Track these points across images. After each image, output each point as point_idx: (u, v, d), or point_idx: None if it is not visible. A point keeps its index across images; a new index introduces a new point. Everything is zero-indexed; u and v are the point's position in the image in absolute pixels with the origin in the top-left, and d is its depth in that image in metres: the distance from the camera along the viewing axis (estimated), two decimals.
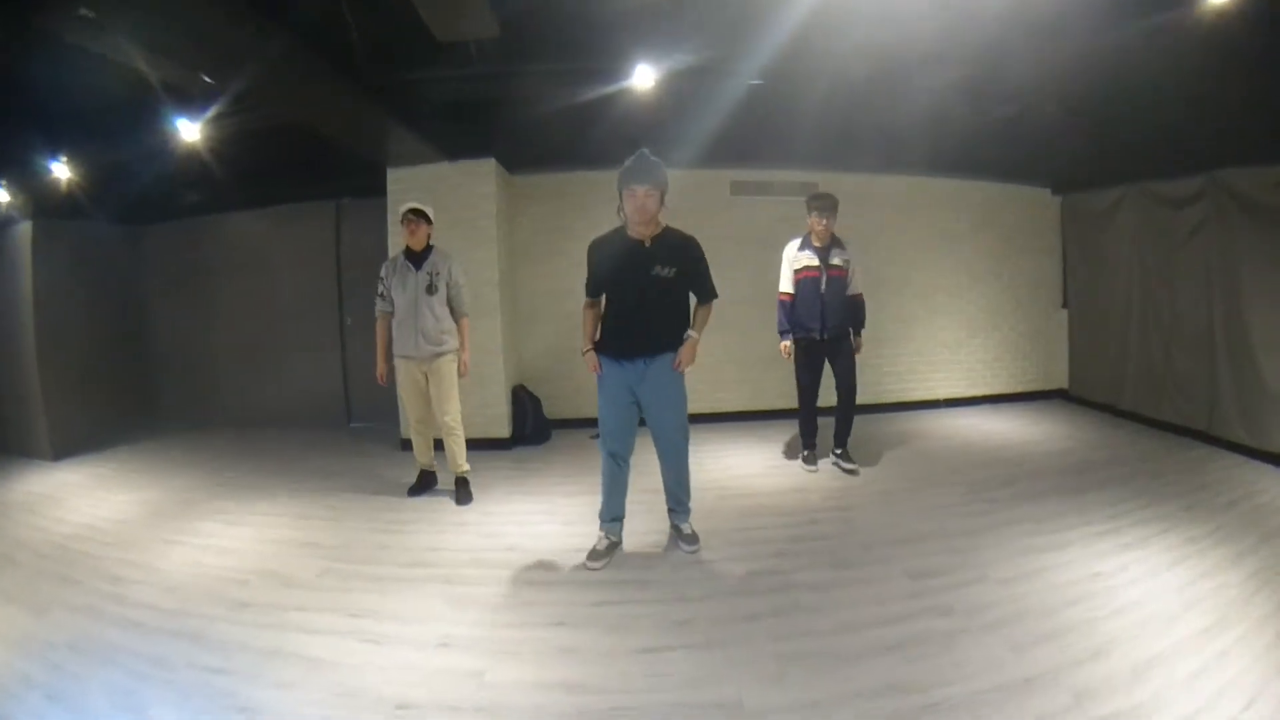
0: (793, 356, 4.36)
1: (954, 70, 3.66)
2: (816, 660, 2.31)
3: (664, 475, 3.27)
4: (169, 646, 2.45)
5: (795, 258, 4.29)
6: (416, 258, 3.96)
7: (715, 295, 3.14)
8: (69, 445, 5.47)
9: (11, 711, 2.12)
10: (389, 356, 4.05)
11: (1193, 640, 2.31)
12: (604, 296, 3.10)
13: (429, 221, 3.96)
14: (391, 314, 3.99)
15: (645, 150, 2.90)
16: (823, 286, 4.20)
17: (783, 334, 4.32)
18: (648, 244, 2.95)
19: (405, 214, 3.90)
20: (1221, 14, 3.14)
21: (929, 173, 6.10)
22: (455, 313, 4.02)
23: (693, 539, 3.26)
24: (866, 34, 3.25)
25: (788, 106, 4.11)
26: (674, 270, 2.95)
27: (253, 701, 2.14)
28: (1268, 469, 4.21)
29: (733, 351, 5.86)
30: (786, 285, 4.33)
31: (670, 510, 3.33)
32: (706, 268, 3.10)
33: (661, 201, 2.90)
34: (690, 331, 3.06)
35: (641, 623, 2.60)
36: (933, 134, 4.71)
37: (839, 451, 4.48)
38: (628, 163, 2.89)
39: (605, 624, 2.59)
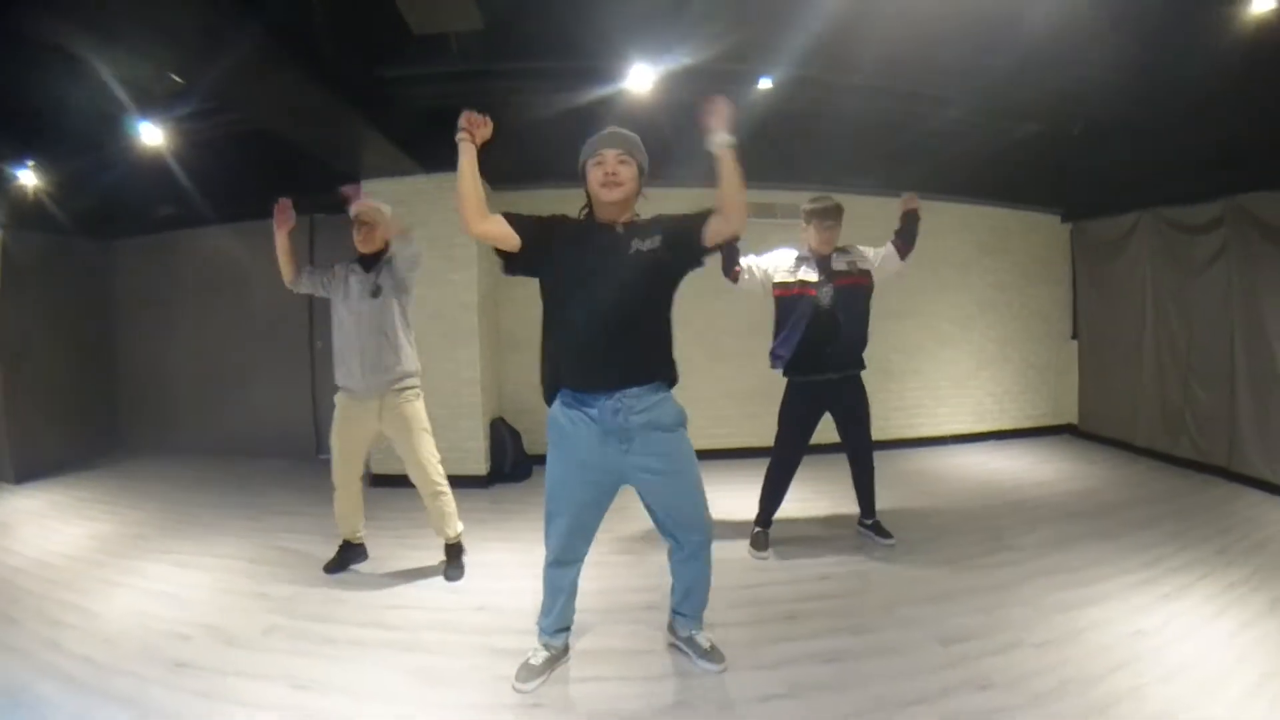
0: (785, 396, 3.44)
1: (980, 85, 3.42)
2: None
3: (676, 583, 2.43)
4: (100, 710, 2.18)
5: (779, 267, 3.30)
6: (368, 261, 3.14)
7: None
8: (32, 468, 5.22)
9: None
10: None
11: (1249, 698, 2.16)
12: (554, 308, 2.19)
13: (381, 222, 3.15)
14: (295, 274, 3.19)
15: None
16: (827, 300, 3.22)
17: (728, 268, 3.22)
18: (619, 228, 2.13)
19: (354, 218, 3.10)
20: (1260, 29, 2.98)
21: (937, 195, 5.83)
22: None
23: (714, 655, 2.40)
24: (892, 42, 2.99)
25: (796, 115, 3.81)
26: (658, 239, 2.07)
27: None
28: None
29: (732, 385, 5.49)
30: (745, 264, 3.25)
31: (676, 615, 2.49)
32: None
33: (640, 183, 2.15)
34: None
35: (632, 705, 2.20)
36: (949, 152, 4.46)
37: (869, 522, 3.70)
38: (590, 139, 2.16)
39: (590, 707, 2.20)
